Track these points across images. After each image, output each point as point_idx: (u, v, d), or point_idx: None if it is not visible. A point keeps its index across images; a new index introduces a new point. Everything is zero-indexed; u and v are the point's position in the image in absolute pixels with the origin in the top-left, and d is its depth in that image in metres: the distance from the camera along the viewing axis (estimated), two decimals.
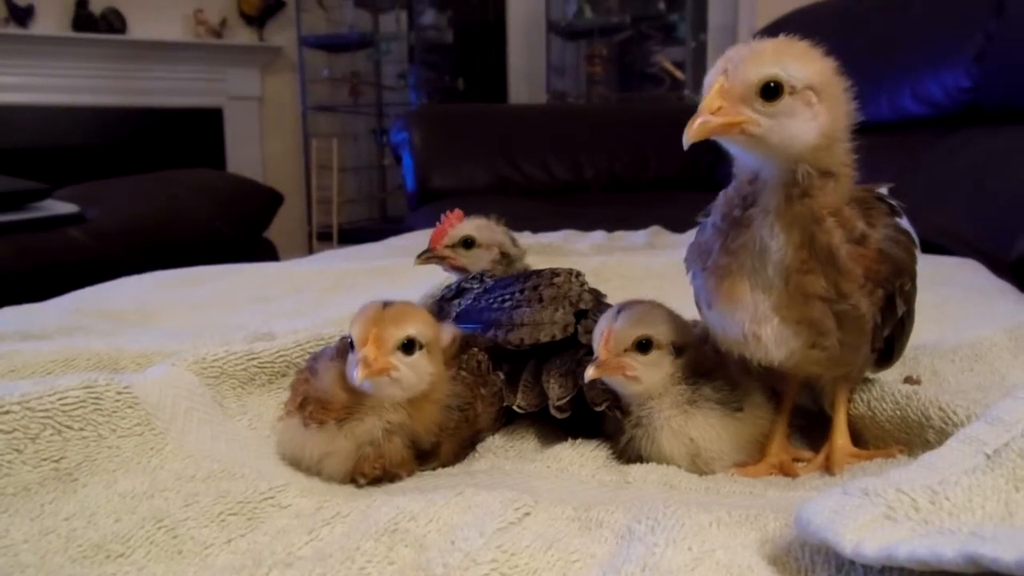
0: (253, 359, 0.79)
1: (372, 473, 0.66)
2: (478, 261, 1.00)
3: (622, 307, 0.70)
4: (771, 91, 0.57)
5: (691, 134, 0.57)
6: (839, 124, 0.60)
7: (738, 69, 0.57)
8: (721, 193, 0.65)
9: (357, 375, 0.63)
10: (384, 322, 0.66)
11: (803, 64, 0.58)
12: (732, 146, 0.60)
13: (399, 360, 0.66)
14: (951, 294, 1.15)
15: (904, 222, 0.67)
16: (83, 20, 4.53)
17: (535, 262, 1.04)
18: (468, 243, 1.00)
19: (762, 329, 0.62)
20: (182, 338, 0.98)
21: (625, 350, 0.68)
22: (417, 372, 0.67)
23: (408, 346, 0.66)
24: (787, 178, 0.60)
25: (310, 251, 4.65)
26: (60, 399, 0.62)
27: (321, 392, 0.67)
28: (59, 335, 1.02)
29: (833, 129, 0.59)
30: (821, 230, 0.60)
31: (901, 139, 2.09)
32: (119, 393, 0.65)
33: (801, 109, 0.58)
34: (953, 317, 1.05)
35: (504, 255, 1.00)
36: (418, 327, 0.67)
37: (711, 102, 0.57)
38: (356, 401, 0.66)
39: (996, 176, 1.66)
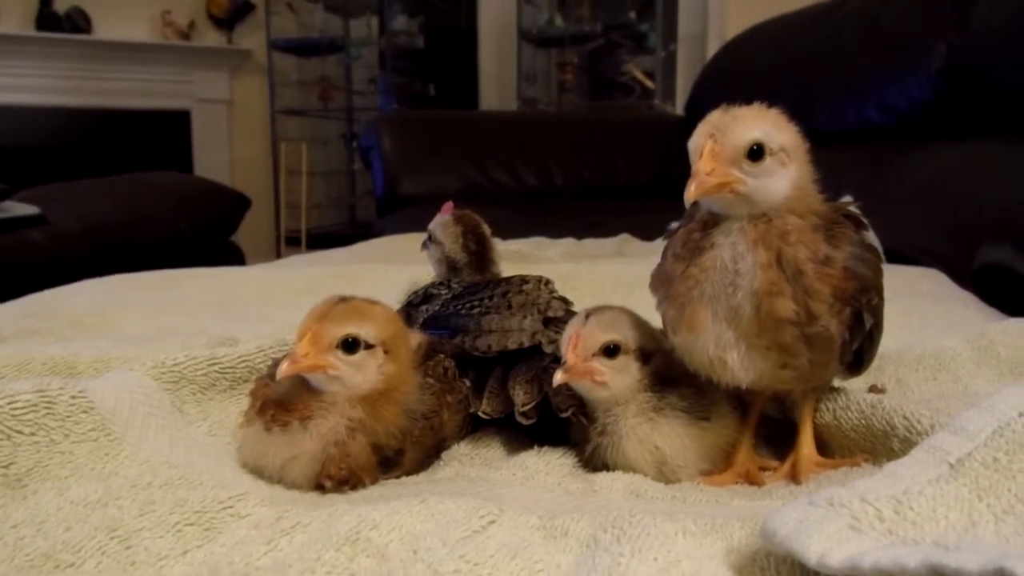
0: (214, 364, 0.78)
1: (338, 474, 0.64)
2: (433, 255, 1.02)
3: (590, 312, 0.70)
4: (756, 153, 0.62)
5: (691, 195, 0.61)
6: (806, 179, 0.65)
7: (726, 134, 0.62)
8: (679, 227, 0.67)
9: (280, 370, 0.63)
10: (326, 319, 0.65)
11: (778, 129, 0.63)
12: (714, 204, 0.64)
13: (339, 358, 0.65)
14: (915, 304, 1.16)
15: (870, 235, 0.67)
16: (47, 19, 4.46)
17: (503, 268, 1.03)
18: (430, 236, 1.02)
19: (728, 355, 0.63)
20: (142, 343, 0.96)
21: (593, 355, 0.68)
22: (362, 371, 0.66)
23: (350, 345, 0.65)
24: (756, 216, 0.63)
25: (278, 256, 4.62)
26: (10, 403, 0.60)
27: (281, 394, 0.66)
28: (14, 339, 0.99)
29: (801, 183, 0.64)
30: (787, 244, 0.61)
31: (865, 149, 2.12)
32: (73, 398, 0.63)
33: (777, 168, 0.63)
34: (917, 326, 1.06)
35: (446, 257, 1.00)
36: (364, 326, 0.66)
37: (705, 164, 0.61)
38: (316, 398, 0.65)
39: (957, 187, 1.69)
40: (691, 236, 0.64)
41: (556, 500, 0.63)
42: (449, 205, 1.04)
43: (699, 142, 0.62)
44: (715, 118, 0.63)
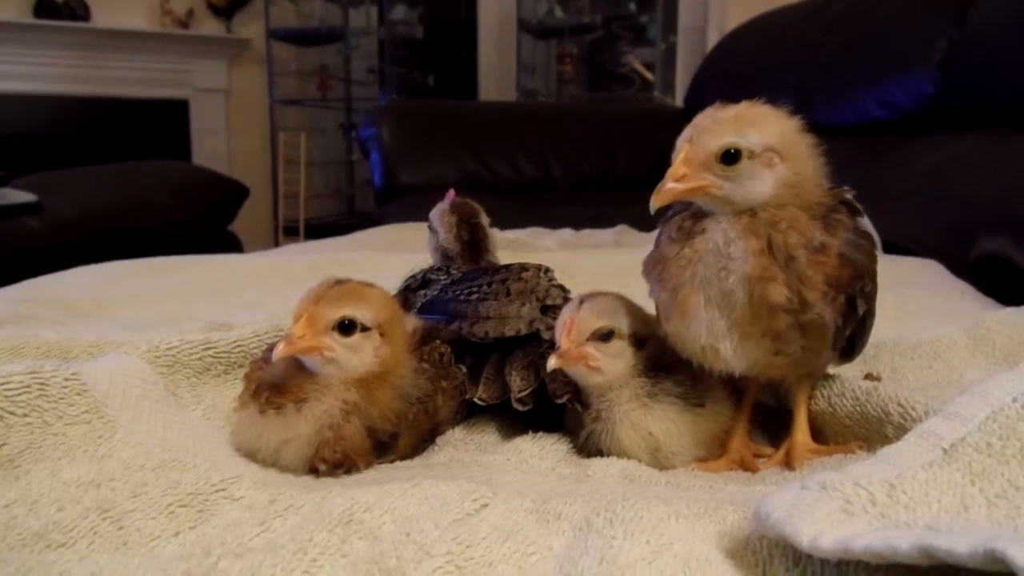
0: (209, 348, 0.78)
1: (333, 458, 0.64)
2: (430, 243, 1.02)
3: (584, 298, 0.70)
4: (730, 157, 0.61)
5: (658, 200, 0.62)
6: (803, 176, 0.63)
7: (701, 138, 0.62)
8: (674, 213, 0.67)
9: (276, 351, 0.63)
10: (323, 301, 0.65)
11: (762, 129, 0.62)
12: (697, 201, 0.64)
13: (335, 340, 0.65)
14: (911, 294, 1.16)
15: (865, 223, 0.67)
16: (45, 6, 4.44)
17: (501, 257, 1.03)
18: (429, 224, 1.02)
19: (720, 343, 0.63)
20: (137, 328, 0.95)
21: (587, 340, 0.67)
22: (358, 353, 0.66)
23: (346, 327, 0.65)
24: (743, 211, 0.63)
25: (276, 245, 4.60)
26: (3, 384, 0.60)
27: (275, 377, 0.66)
28: (8, 324, 0.99)
29: (796, 180, 0.63)
30: (776, 231, 0.61)
31: (865, 143, 2.11)
32: (66, 380, 0.63)
33: (761, 170, 0.62)
34: (913, 316, 1.06)
35: (441, 247, 1.00)
36: (361, 308, 0.66)
37: (676, 169, 0.62)
38: (311, 381, 0.65)
39: (956, 180, 1.69)
40: (683, 223, 0.64)
41: (550, 485, 0.62)
42: (451, 193, 1.04)
43: (679, 145, 0.63)
44: (699, 119, 0.63)
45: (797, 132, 0.64)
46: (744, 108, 0.63)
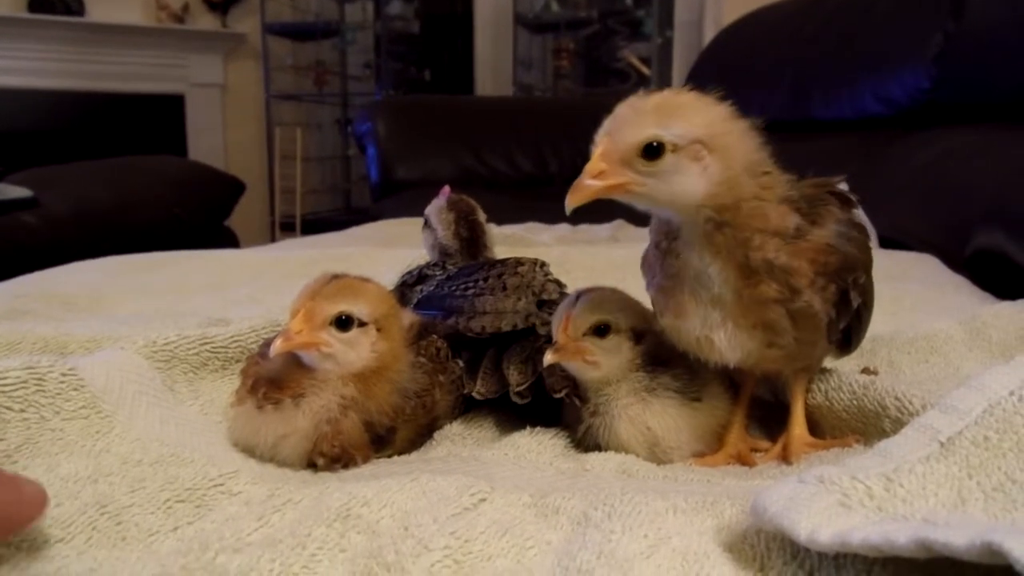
0: (206, 343, 0.77)
1: (331, 452, 0.64)
2: (427, 240, 1.01)
3: (581, 293, 0.70)
4: (652, 151, 0.57)
5: (573, 199, 0.58)
6: (737, 167, 0.58)
7: (619, 131, 0.57)
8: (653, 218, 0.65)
9: (273, 347, 0.63)
10: (320, 297, 0.65)
11: (687, 120, 0.57)
12: (631, 202, 0.60)
13: (332, 336, 0.65)
14: (908, 288, 1.16)
15: (859, 214, 0.67)
16: (39, 1, 4.42)
17: (498, 253, 1.03)
18: (426, 221, 1.01)
19: (715, 334, 0.63)
20: (134, 323, 0.95)
21: (584, 335, 0.67)
22: (355, 348, 0.66)
23: (343, 322, 0.65)
24: (695, 219, 0.60)
25: (272, 241, 4.60)
26: None
27: (272, 372, 0.66)
28: (5, 319, 0.99)
29: (729, 175, 0.58)
30: (751, 249, 0.59)
31: (862, 137, 2.12)
32: (63, 375, 0.63)
33: (687, 165, 0.57)
34: (910, 310, 1.06)
35: (439, 243, 0.99)
36: (358, 303, 0.66)
37: (594, 166, 0.58)
38: (308, 376, 0.65)
39: (952, 175, 1.69)
40: (660, 241, 0.63)
41: (548, 479, 0.63)
42: (446, 189, 1.03)
43: (597, 139, 0.58)
44: (619, 110, 0.59)
45: (727, 120, 0.59)
46: (667, 96, 0.59)
